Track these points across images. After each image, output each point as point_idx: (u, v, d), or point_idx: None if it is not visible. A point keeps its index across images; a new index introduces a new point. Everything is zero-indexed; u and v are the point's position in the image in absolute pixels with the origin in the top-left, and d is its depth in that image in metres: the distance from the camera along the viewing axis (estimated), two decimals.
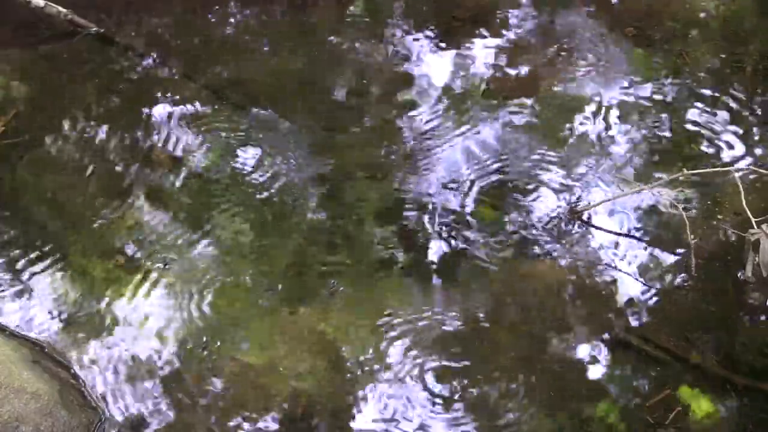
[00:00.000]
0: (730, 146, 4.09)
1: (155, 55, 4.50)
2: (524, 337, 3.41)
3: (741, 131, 4.16)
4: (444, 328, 3.44)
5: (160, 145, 4.08)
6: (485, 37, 4.65)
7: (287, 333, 3.42)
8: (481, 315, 3.48)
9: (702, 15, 4.78)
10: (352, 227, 3.76)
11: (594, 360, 3.35)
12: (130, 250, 3.66)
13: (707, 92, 4.34)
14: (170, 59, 4.49)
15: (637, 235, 3.75)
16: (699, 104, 4.28)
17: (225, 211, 3.82)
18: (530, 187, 3.91)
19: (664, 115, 4.23)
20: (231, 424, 3.19)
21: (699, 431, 3.15)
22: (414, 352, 3.36)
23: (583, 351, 3.38)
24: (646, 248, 3.70)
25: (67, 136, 4.10)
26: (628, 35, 4.65)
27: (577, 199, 3.87)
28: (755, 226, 3.39)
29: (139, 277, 3.58)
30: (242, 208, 3.83)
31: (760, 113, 4.24)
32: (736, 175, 3.58)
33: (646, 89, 4.36)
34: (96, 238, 3.70)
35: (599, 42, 4.63)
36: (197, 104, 4.27)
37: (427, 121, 4.20)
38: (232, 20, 4.75)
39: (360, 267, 3.63)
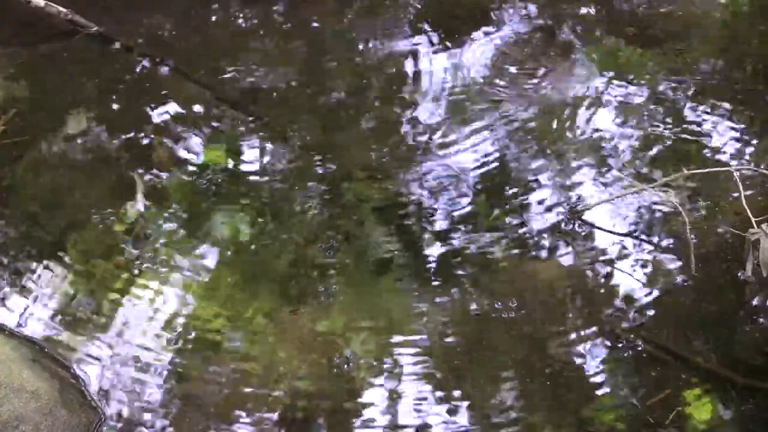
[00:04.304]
0: (730, 146, 4.09)
1: (155, 55, 4.50)
2: (524, 336, 3.41)
3: (741, 131, 4.16)
4: (444, 327, 3.43)
5: (160, 144, 4.08)
6: (485, 34, 4.65)
7: (287, 333, 3.42)
8: (481, 314, 3.47)
9: (702, 15, 4.77)
10: (352, 227, 3.76)
11: (594, 360, 3.35)
12: (129, 249, 3.66)
13: (707, 92, 4.34)
14: (170, 59, 4.49)
15: (637, 234, 3.75)
16: (699, 104, 4.28)
17: (225, 210, 3.82)
18: (530, 186, 3.91)
19: (664, 115, 4.23)
20: (231, 423, 3.18)
21: (699, 431, 3.15)
22: (414, 352, 3.36)
23: (583, 351, 3.37)
24: (646, 248, 3.70)
25: (67, 136, 4.10)
26: (629, 35, 4.65)
27: (577, 199, 3.87)
28: (755, 226, 3.38)
29: (138, 276, 3.57)
30: (242, 208, 3.83)
31: (759, 113, 4.24)
32: (736, 175, 3.58)
33: (647, 89, 4.36)
34: (96, 238, 3.70)
35: (599, 41, 4.63)
36: (197, 103, 4.27)
37: (427, 120, 4.20)
38: (232, 19, 4.75)
39: (360, 267, 3.63)
